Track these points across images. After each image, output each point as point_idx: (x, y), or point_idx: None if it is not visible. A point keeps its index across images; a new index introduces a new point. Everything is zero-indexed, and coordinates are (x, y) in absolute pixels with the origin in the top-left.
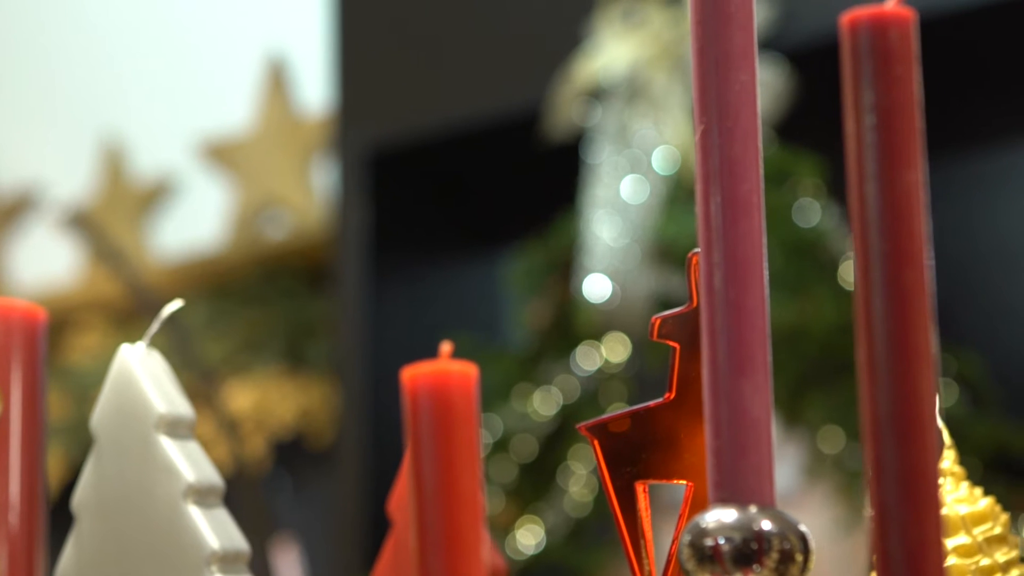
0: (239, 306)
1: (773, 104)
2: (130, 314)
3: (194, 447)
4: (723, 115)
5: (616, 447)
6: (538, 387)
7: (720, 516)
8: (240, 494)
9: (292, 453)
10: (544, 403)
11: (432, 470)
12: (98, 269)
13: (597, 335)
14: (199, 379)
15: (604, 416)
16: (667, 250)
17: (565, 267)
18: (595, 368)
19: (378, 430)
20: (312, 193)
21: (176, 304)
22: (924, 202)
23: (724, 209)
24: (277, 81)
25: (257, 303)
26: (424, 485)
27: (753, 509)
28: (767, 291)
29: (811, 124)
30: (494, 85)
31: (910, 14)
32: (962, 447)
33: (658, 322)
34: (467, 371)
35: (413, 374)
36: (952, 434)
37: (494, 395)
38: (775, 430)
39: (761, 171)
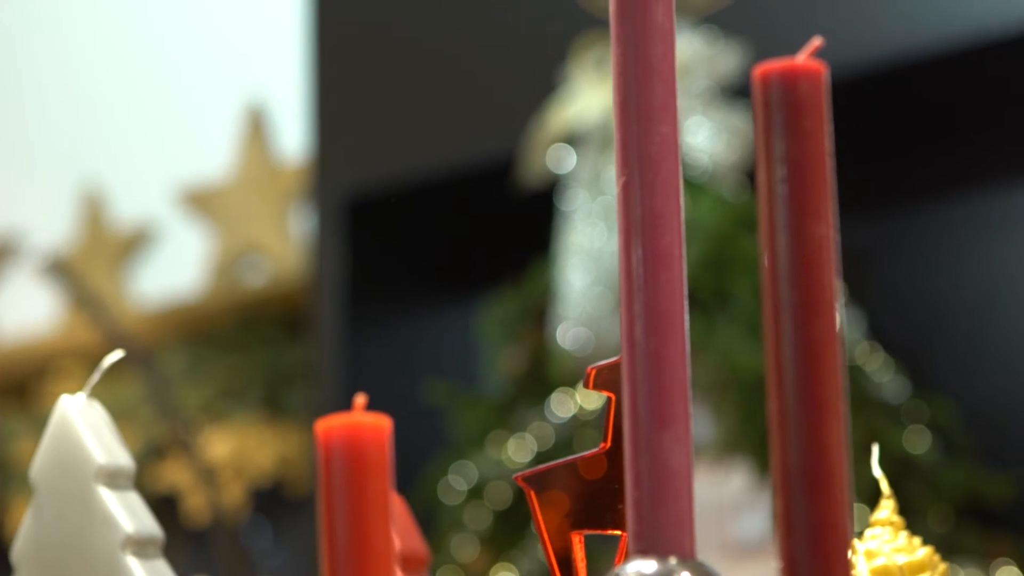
0: (218, 353)
1: (746, 151)
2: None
3: (133, 498)
4: (644, 168)
5: (552, 497)
6: (513, 434)
7: (640, 567)
8: (219, 542)
9: (271, 500)
10: (519, 450)
11: (344, 524)
12: (77, 316)
13: (571, 382)
14: (177, 427)
15: (540, 467)
16: None
17: (539, 314)
18: (569, 415)
19: None
20: (291, 240)
21: (117, 355)
22: (835, 254)
23: (645, 261)
24: (256, 129)
25: (236, 350)
26: (336, 538)
27: (673, 560)
28: (688, 342)
29: None
30: (469, 133)
31: (821, 67)
32: (935, 494)
33: (593, 372)
34: (380, 424)
35: (326, 426)
36: (925, 481)
37: (469, 442)
38: (748, 478)
39: (683, 223)
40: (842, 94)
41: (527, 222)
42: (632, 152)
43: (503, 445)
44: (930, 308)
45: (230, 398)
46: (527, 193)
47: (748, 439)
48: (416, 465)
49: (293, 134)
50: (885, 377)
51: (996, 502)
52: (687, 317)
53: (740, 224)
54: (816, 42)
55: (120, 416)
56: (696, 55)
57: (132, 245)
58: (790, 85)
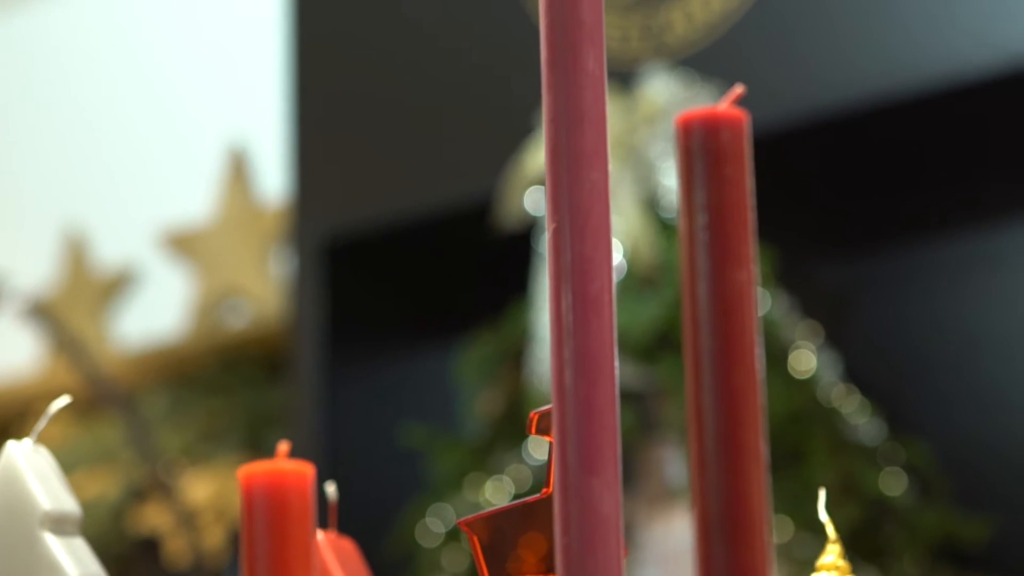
0: (199, 395)
1: None
2: (90, 404)
3: (80, 544)
4: (574, 214)
5: (494, 542)
6: (490, 476)
7: None
8: None
9: None
10: (496, 492)
11: (266, 570)
12: (58, 359)
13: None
14: (158, 470)
15: (482, 512)
16: (619, 340)
17: (516, 356)
18: (547, 457)
19: (336, 520)
20: (272, 282)
21: (64, 400)
22: (755, 301)
23: (575, 307)
24: (237, 172)
25: (217, 392)
26: None
27: None
28: (617, 388)
29: (759, 214)
30: (446, 176)
31: (742, 115)
32: (911, 536)
33: (536, 417)
34: (303, 470)
35: (248, 473)
36: (901, 523)
37: (447, 484)
38: None
39: (612, 268)
40: (820, 136)
41: (504, 264)
42: (562, 198)
43: (481, 487)
44: (906, 350)
45: (211, 441)
46: (504, 235)
47: None
48: (394, 507)
49: (274, 177)
50: (861, 419)
51: (972, 544)
52: (616, 363)
53: None
54: (738, 90)
55: (101, 459)
56: (672, 97)
57: (114, 287)
58: (711, 133)
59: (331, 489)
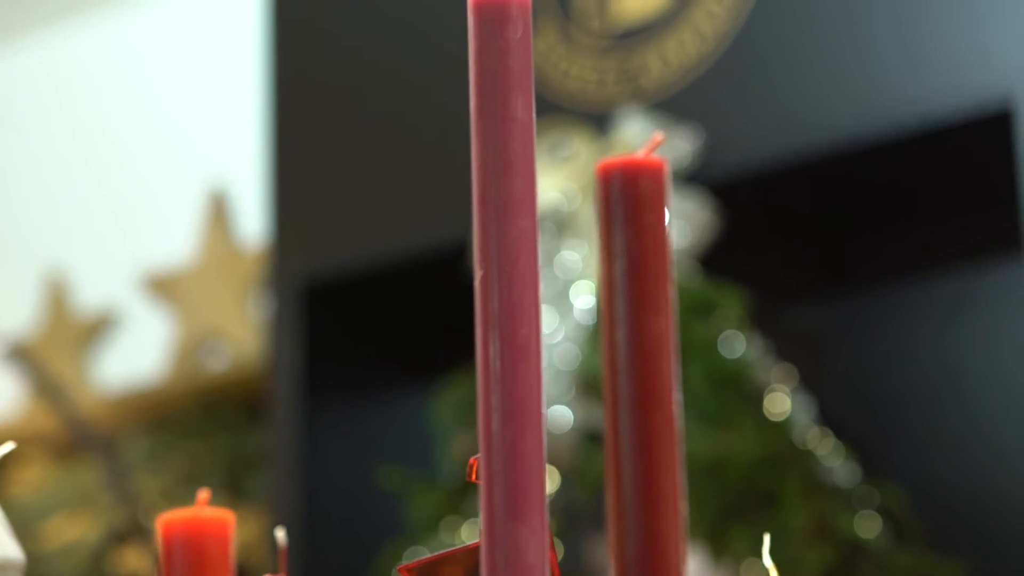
0: (179, 438)
1: (696, 236)
2: (70, 448)
3: None
4: (502, 260)
5: None
6: (467, 519)
7: None
8: None
9: None
10: (472, 535)
11: None
12: (38, 403)
13: None
14: (137, 514)
15: (422, 559)
16: (593, 382)
17: None
18: None
19: (314, 562)
20: (252, 325)
21: (8, 447)
22: (673, 347)
23: (503, 353)
24: (218, 215)
25: (197, 435)
26: None
27: None
28: (544, 435)
29: (734, 256)
30: (424, 218)
31: (662, 163)
32: None
33: (476, 463)
34: (223, 518)
35: (167, 521)
36: (875, 565)
37: (423, 527)
38: (701, 562)
39: (540, 315)
40: (795, 178)
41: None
42: (491, 245)
43: (457, 530)
44: (880, 393)
45: (190, 484)
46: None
47: (700, 524)
48: (371, 550)
49: (253, 220)
50: (836, 462)
51: None
52: (544, 411)
53: (692, 309)
54: (658, 138)
55: (80, 502)
56: (646, 141)
57: (95, 331)
58: (631, 181)
59: (280, 535)
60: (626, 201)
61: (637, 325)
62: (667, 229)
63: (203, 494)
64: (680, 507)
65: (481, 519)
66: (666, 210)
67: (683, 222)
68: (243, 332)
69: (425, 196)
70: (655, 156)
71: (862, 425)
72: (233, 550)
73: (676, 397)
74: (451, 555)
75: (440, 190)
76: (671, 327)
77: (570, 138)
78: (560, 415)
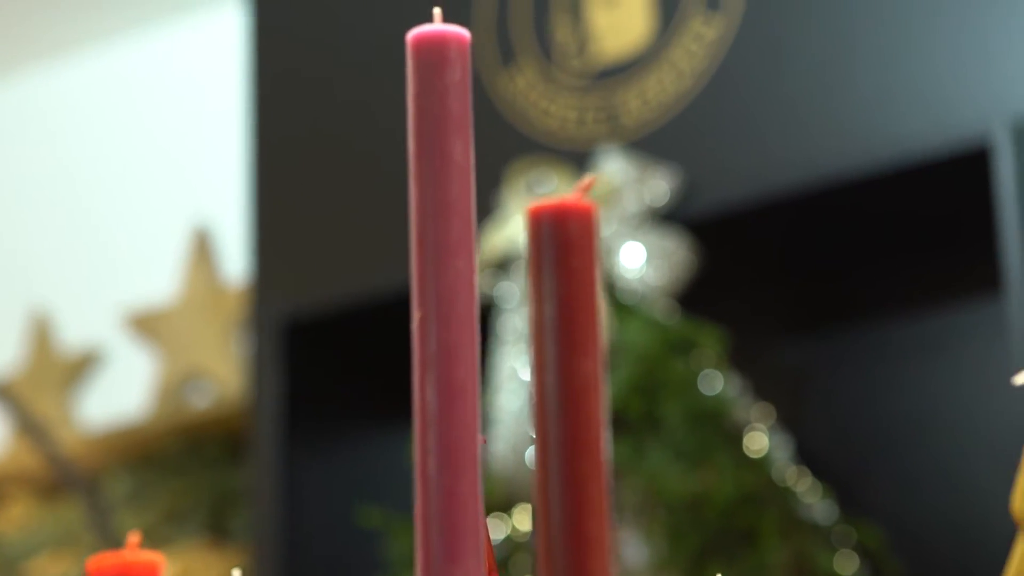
0: (162, 477)
1: (675, 274)
2: (53, 487)
3: None
4: (440, 301)
5: None
6: None
7: None
8: None
9: None
10: None
11: None
12: (22, 442)
13: (505, 505)
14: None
15: None
16: None
17: None
18: (503, 537)
19: None
20: (235, 363)
21: None
22: (602, 390)
23: (439, 395)
24: (201, 253)
25: (180, 474)
26: None
27: None
28: (480, 476)
29: (712, 294)
30: (405, 257)
31: (591, 207)
32: None
33: None
34: (152, 562)
35: (97, 565)
36: None
37: (404, 565)
38: None
39: (478, 357)
40: (773, 216)
41: None
42: (428, 287)
43: None
44: (858, 431)
45: (173, 522)
46: None
47: (677, 561)
48: None
49: (236, 259)
50: (814, 500)
51: None
52: (480, 453)
53: (670, 347)
54: (588, 180)
55: (63, 541)
56: (626, 179)
57: (79, 369)
58: (560, 224)
59: (236, 573)
60: (555, 244)
61: (566, 368)
62: (596, 272)
63: (133, 537)
64: (608, 550)
65: (417, 561)
66: (595, 254)
67: (662, 260)
68: (226, 370)
69: (405, 235)
70: (585, 200)
71: (840, 463)
72: None
73: (605, 440)
74: None
75: None
76: (599, 370)
77: (550, 176)
78: None
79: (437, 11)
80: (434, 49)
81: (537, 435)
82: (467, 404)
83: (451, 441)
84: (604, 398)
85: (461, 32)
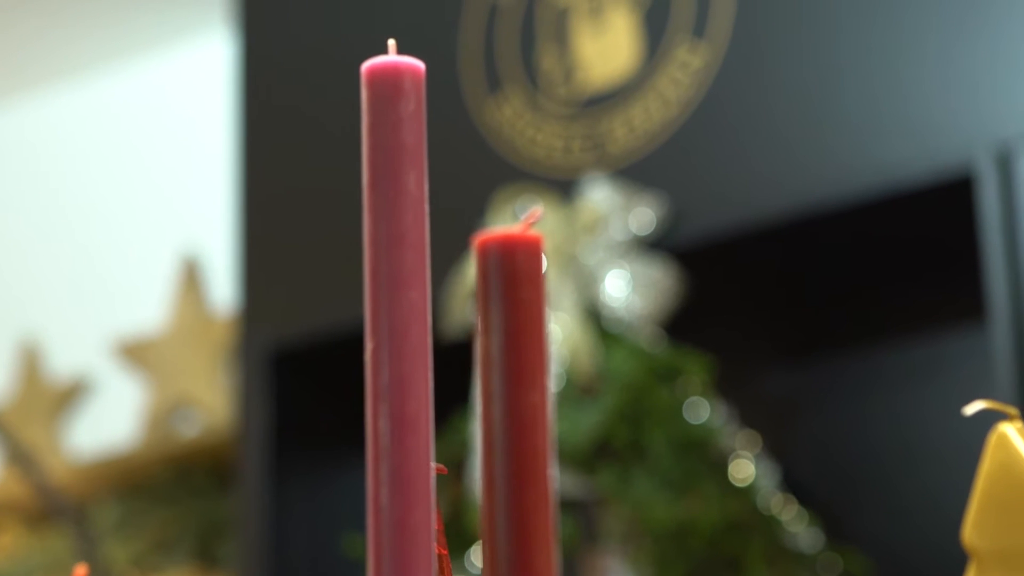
0: (150, 505)
1: (661, 302)
2: (41, 516)
3: None
4: (393, 333)
5: None
6: None
7: None
8: None
9: None
10: None
11: None
12: (10, 470)
13: None
14: None
15: None
16: (558, 449)
17: (459, 466)
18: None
19: None
20: (223, 391)
21: None
22: (549, 423)
23: (392, 427)
24: (190, 282)
25: (168, 502)
26: None
27: None
28: (433, 507)
29: (698, 322)
30: None
31: (539, 238)
32: None
33: None
34: None
35: None
36: None
37: None
38: None
39: (431, 389)
40: (759, 244)
41: (446, 374)
42: (381, 318)
43: None
44: (844, 460)
45: (161, 551)
46: (447, 344)
47: None
48: None
49: (225, 287)
50: (799, 528)
51: None
52: (433, 483)
53: (656, 375)
54: (536, 212)
55: (52, 570)
56: (612, 207)
57: (68, 397)
58: (507, 256)
59: None
60: (503, 276)
61: (512, 400)
62: (544, 304)
63: (79, 571)
64: None
65: None
66: (543, 285)
67: (648, 288)
68: (215, 399)
69: None
70: (532, 231)
71: (826, 491)
72: None
73: (551, 473)
74: None
75: None
76: (546, 402)
77: (536, 204)
78: None
79: (391, 42)
80: (388, 80)
81: (484, 468)
82: (420, 436)
83: (404, 473)
84: (551, 431)
85: (415, 63)
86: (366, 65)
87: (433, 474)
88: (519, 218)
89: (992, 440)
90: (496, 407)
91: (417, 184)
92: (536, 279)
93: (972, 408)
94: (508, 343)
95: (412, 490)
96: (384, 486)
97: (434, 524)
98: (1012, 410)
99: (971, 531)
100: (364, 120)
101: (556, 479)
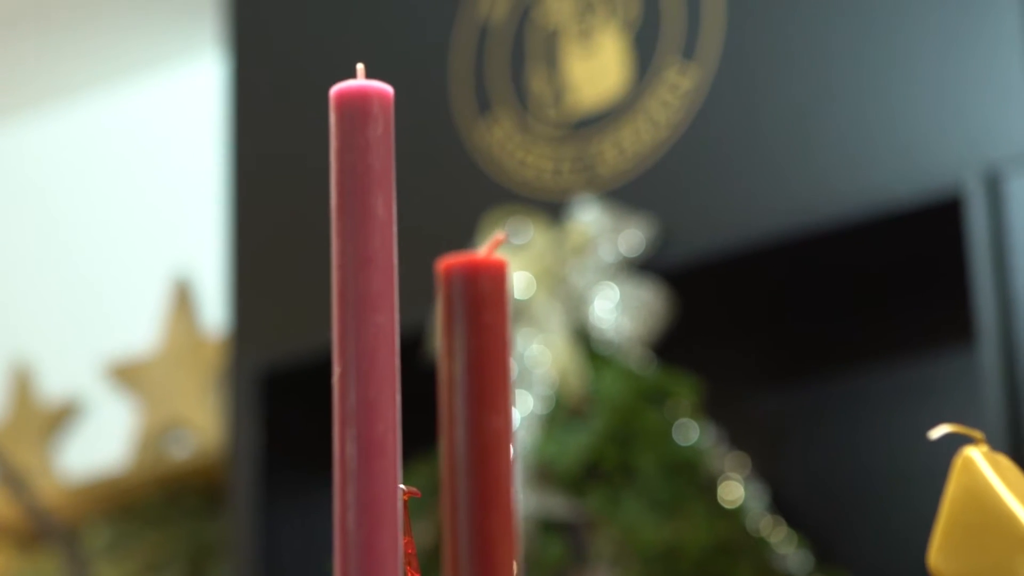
0: (141, 527)
1: (651, 324)
2: (32, 538)
3: None
4: (360, 356)
5: None
6: None
7: None
8: None
9: None
10: None
11: None
12: (1, 492)
13: None
14: None
15: None
16: (546, 470)
17: None
18: None
19: None
20: (215, 413)
21: None
22: (510, 446)
23: (359, 449)
24: (182, 304)
25: (160, 524)
26: None
27: None
28: (400, 533)
29: (688, 344)
30: None
31: (503, 263)
32: None
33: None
34: None
35: None
36: None
37: None
38: None
39: (398, 413)
40: (748, 266)
41: (435, 396)
42: (349, 342)
43: None
44: (833, 482)
45: (153, 573)
46: (434, 367)
47: None
48: None
49: (216, 309)
50: (788, 550)
51: None
52: (400, 507)
53: (645, 397)
54: (499, 237)
55: None
56: (601, 228)
57: (59, 419)
58: (471, 280)
59: None
60: (467, 300)
61: (475, 424)
62: (507, 329)
63: None
64: None
65: None
66: (507, 310)
67: (637, 310)
68: (206, 421)
69: None
70: (496, 255)
71: (815, 513)
72: None
73: (514, 496)
74: None
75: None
76: (509, 426)
77: (526, 226)
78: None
79: (360, 66)
80: (356, 105)
81: (446, 491)
82: (387, 460)
83: (370, 496)
84: (513, 454)
85: (384, 88)
86: (334, 89)
87: (401, 498)
88: (509, 240)
89: (957, 464)
90: (459, 431)
91: (385, 207)
92: (500, 303)
93: (937, 432)
94: (471, 367)
95: (379, 514)
96: (351, 510)
97: (402, 548)
98: (977, 434)
99: (936, 555)
100: (332, 144)
101: (520, 502)
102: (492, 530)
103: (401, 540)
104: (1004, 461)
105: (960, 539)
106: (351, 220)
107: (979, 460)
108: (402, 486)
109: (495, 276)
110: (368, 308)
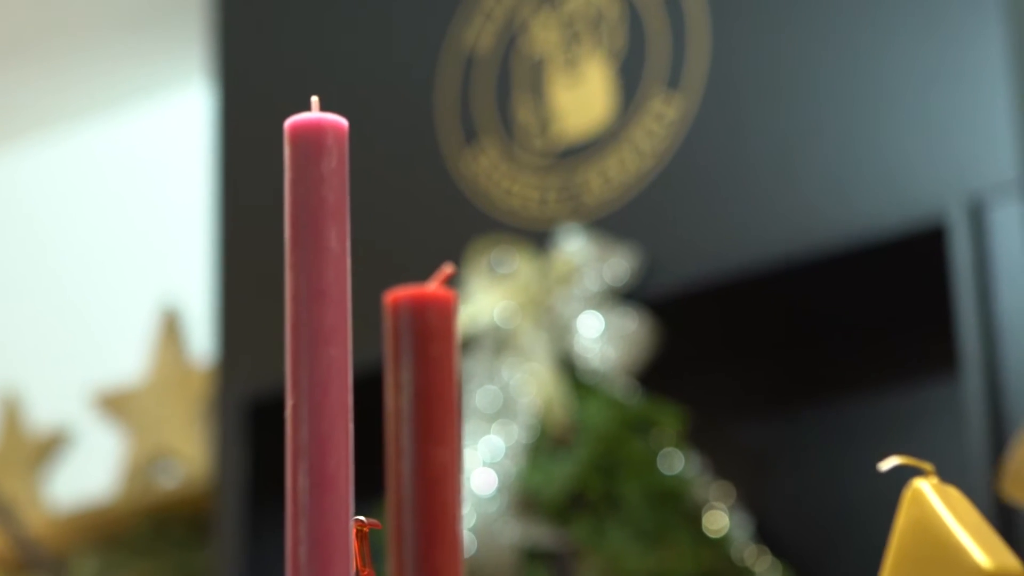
0: (129, 557)
1: (635, 353)
2: (21, 568)
3: None
4: (313, 389)
5: None
6: None
7: None
8: None
9: None
10: None
11: None
12: None
13: None
14: None
15: None
16: (531, 499)
17: None
18: None
19: None
20: (202, 443)
21: None
22: (458, 480)
23: (311, 484)
24: (170, 332)
25: (147, 554)
26: None
27: None
28: (352, 567)
29: (672, 373)
30: (366, 336)
31: (451, 295)
32: None
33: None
34: None
35: None
36: None
37: None
38: None
39: (351, 447)
40: (733, 295)
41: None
42: (302, 375)
43: None
44: (818, 511)
45: None
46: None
47: None
48: None
49: (203, 339)
50: None
51: None
52: (351, 541)
53: (630, 426)
54: (448, 270)
55: None
56: (587, 258)
57: (47, 449)
58: (419, 312)
59: None
60: (414, 332)
61: (422, 456)
62: (455, 361)
63: None
64: None
65: None
66: (454, 342)
67: (622, 339)
68: (194, 450)
69: (368, 313)
70: (444, 289)
71: (800, 542)
72: None
73: (459, 528)
74: None
75: (379, 309)
76: (456, 459)
77: (511, 255)
78: (499, 532)
79: (315, 99)
80: (310, 137)
81: (392, 524)
82: (339, 494)
83: (322, 531)
84: (460, 487)
85: (338, 120)
86: (288, 122)
87: (360, 530)
88: (494, 269)
89: (907, 496)
90: (405, 463)
91: (339, 241)
92: (447, 336)
93: (887, 464)
94: (418, 399)
95: (331, 548)
96: (303, 544)
97: None
98: (927, 466)
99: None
100: (286, 176)
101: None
102: (438, 561)
103: (352, 574)
104: (954, 493)
105: (909, 571)
106: (304, 253)
107: (928, 492)
108: (361, 517)
109: (443, 309)
110: (321, 341)
